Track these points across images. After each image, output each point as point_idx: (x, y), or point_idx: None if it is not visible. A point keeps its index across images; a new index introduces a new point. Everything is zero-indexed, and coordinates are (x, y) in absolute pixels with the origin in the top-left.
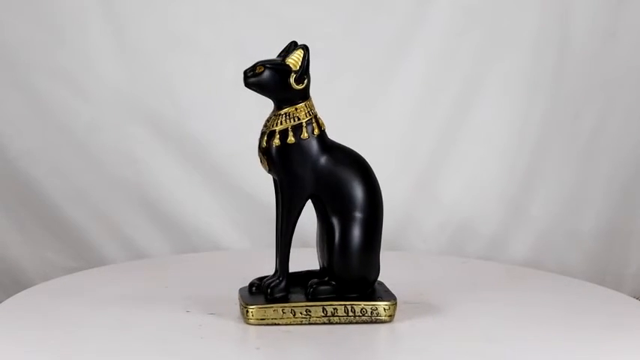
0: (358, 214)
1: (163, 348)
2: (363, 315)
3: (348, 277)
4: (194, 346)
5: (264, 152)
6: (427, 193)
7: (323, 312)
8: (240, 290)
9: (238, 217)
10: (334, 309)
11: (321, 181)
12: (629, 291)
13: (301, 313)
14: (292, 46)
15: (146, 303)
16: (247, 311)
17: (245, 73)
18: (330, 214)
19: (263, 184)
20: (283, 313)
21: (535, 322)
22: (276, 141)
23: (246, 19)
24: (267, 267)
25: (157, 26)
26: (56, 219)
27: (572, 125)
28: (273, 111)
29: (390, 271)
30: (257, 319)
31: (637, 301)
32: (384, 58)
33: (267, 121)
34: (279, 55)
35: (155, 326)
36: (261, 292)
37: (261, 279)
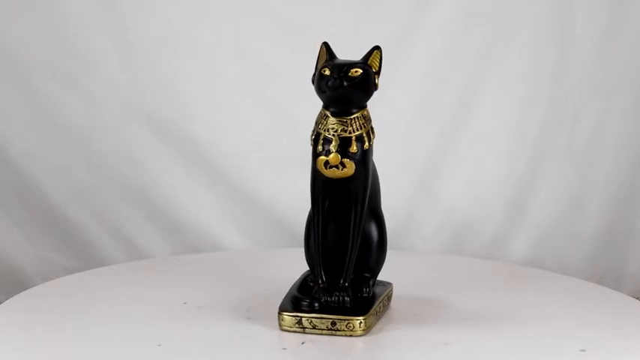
0: (381, 211)
1: (167, 349)
2: (388, 302)
3: (379, 271)
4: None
5: (352, 157)
6: (427, 193)
7: (381, 305)
8: (286, 307)
9: (239, 217)
10: (383, 301)
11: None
12: (629, 291)
13: (377, 313)
14: (324, 48)
15: (147, 303)
16: (360, 323)
17: (341, 77)
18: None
19: (263, 185)
20: (373, 317)
21: (535, 322)
22: (366, 144)
23: (246, 20)
24: (267, 267)
25: (158, 26)
26: (56, 219)
27: (572, 125)
28: (333, 112)
29: (390, 271)
30: (364, 329)
31: (637, 301)
32: (384, 58)
33: (343, 124)
34: (331, 59)
35: (158, 327)
36: (319, 303)
37: (305, 291)
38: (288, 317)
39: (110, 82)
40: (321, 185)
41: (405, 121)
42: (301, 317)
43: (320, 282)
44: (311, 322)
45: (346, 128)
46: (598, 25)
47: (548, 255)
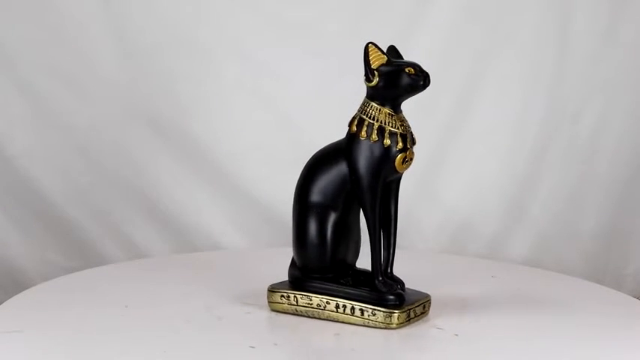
0: None
1: (166, 349)
2: None
3: None
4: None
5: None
6: (427, 193)
7: None
8: (395, 305)
9: (238, 216)
10: None
11: None
12: (629, 291)
13: None
14: (374, 47)
15: (147, 303)
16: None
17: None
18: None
19: (262, 184)
20: None
21: (534, 321)
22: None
23: (246, 19)
24: (267, 266)
25: (158, 26)
26: (56, 219)
27: (572, 125)
28: (395, 110)
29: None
30: None
31: (637, 301)
32: None
33: (404, 120)
34: (391, 59)
35: (158, 327)
36: (400, 295)
37: (372, 288)
38: (402, 314)
39: (110, 82)
40: (383, 182)
41: None
42: (409, 310)
43: (380, 278)
44: (414, 311)
45: (407, 123)
46: (598, 25)
47: (548, 255)
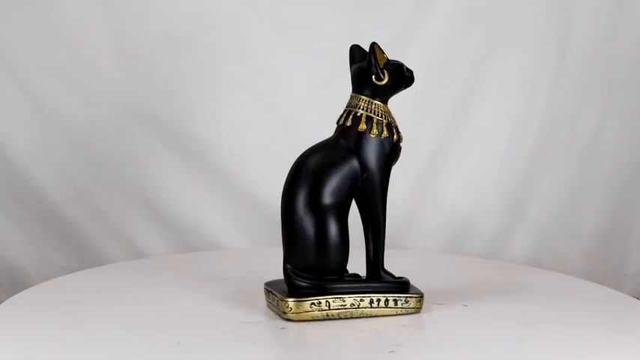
0: None
1: (167, 349)
2: None
3: None
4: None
5: None
6: (427, 193)
7: None
8: (417, 291)
9: (238, 216)
10: None
11: None
12: (629, 291)
13: None
14: (379, 47)
15: (146, 303)
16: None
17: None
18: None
19: (262, 184)
20: None
21: (534, 321)
22: None
23: (246, 19)
24: (267, 266)
25: (157, 26)
26: (56, 219)
27: (572, 125)
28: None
29: (390, 270)
30: None
31: (637, 300)
32: None
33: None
34: (384, 60)
35: (158, 327)
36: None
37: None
38: (423, 297)
39: (110, 82)
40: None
41: (404, 121)
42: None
43: (384, 270)
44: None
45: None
46: (598, 25)
47: (548, 254)
